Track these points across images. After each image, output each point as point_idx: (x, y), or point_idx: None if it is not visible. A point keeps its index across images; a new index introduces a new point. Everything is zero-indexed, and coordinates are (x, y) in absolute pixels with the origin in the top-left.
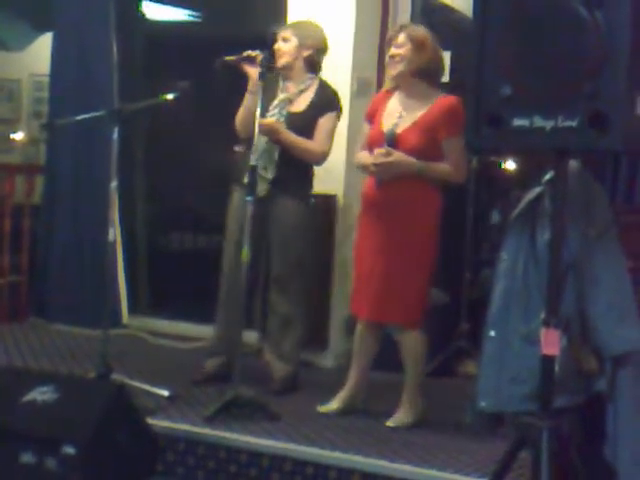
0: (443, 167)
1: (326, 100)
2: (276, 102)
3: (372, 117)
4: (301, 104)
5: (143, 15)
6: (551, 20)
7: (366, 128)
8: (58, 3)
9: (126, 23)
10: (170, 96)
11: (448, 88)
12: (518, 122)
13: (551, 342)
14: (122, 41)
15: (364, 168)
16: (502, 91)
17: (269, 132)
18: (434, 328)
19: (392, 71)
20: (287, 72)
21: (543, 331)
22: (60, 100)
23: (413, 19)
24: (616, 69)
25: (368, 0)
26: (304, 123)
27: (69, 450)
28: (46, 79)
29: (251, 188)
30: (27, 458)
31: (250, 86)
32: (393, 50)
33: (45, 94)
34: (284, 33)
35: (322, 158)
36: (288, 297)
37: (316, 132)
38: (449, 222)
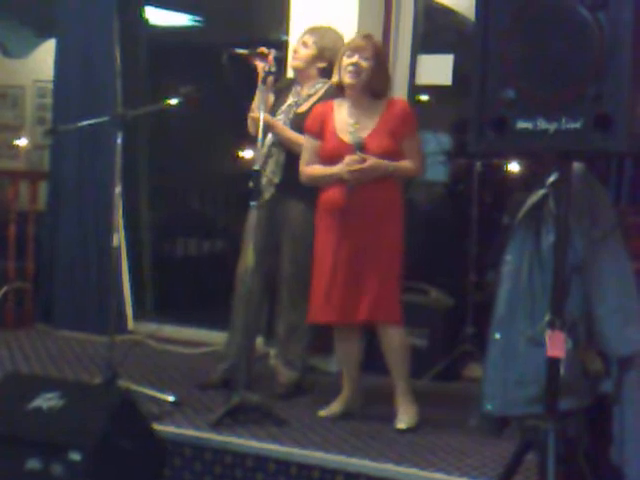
0: (408, 164)
1: (329, 98)
2: (285, 106)
3: (320, 131)
4: (307, 106)
5: (146, 21)
6: (554, 22)
7: (311, 143)
8: (61, 10)
9: (129, 29)
10: (173, 101)
11: (451, 92)
12: (522, 125)
13: (557, 344)
14: (125, 47)
15: (325, 178)
16: (505, 94)
17: (265, 127)
18: (439, 331)
19: (351, 80)
20: (300, 76)
21: (548, 333)
22: (64, 106)
23: (416, 23)
24: (619, 71)
25: (371, 4)
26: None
27: (75, 456)
28: (50, 85)
29: (257, 193)
30: (33, 464)
31: (259, 83)
32: (359, 60)
33: (49, 100)
34: (306, 37)
35: None
36: (298, 302)
37: None
38: (453, 225)
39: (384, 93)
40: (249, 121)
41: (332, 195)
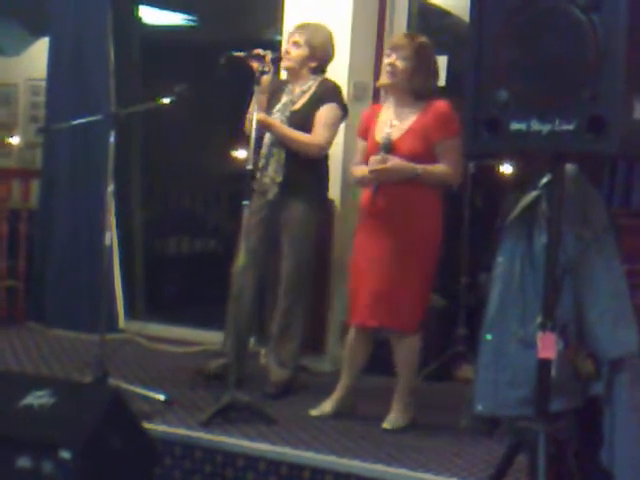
0: (440, 168)
1: (324, 93)
2: (280, 105)
3: (366, 133)
4: (301, 103)
5: (139, 19)
6: (548, 24)
7: (361, 145)
8: (54, 8)
9: (122, 27)
10: (166, 100)
11: (445, 93)
12: (515, 126)
13: (548, 346)
14: (118, 45)
15: (361, 179)
16: (499, 95)
17: (262, 127)
18: (432, 332)
19: (388, 80)
20: (292, 75)
21: (540, 335)
22: (56, 104)
23: (410, 23)
24: (613, 73)
25: (365, 5)
26: (302, 118)
27: (65, 454)
28: (42, 83)
29: (249, 192)
30: (23, 462)
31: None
32: (396, 61)
33: (41, 98)
34: (296, 37)
35: (318, 150)
36: (295, 302)
37: (314, 125)
38: (446, 226)
39: (426, 93)
40: (247, 121)
41: (365, 197)
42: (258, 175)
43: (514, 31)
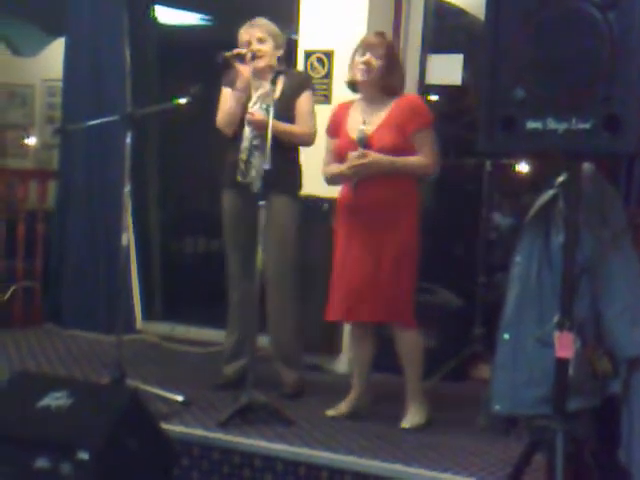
0: (417, 160)
1: (298, 81)
2: (254, 99)
3: (336, 131)
4: (276, 93)
5: (155, 19)
6: (564, 23)
7: (330, 142)
8: (70, 8)
9: (138, 28)
10: (182, 100)
11: (461, 91)
12: (531, 125)
13: (565, 345)
14: (134, 46)
15: (337, 177)
16: (515, 94)
17: (258, 126)
18: (448, 332)
19: (362, 77)
20: (265, 71)
21: (557, 334)
22: (73, 105)
23: (425, 22)
24: (630, 71)
25: (381, 4)
26: (282, 108)
27: (83, 455)
28: (59, 84)
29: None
30: (42, 463)
31: (239, 83)
32: (371, 59)
33: (58, 99)
34: (258, 34)
35: (313, 138)
36: (290, 301)
37: (297, 114)
38: (462, 225)
39: (397, 91)
40: (225, 121)
41: (344, 194)
42: (243, 167)
43: (530, 30)
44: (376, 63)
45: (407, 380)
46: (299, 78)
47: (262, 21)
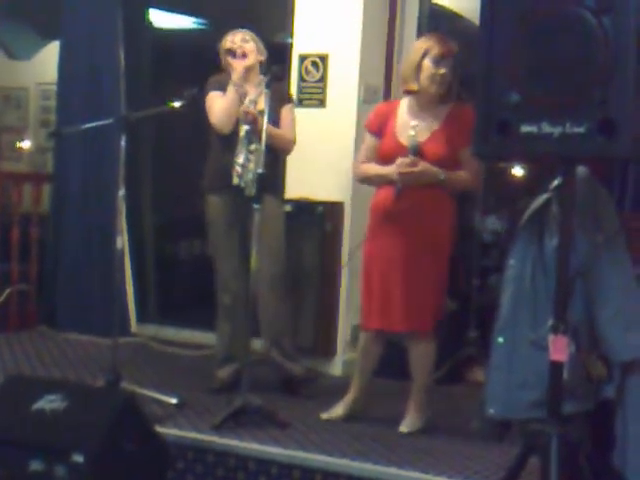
0: (464, 175)
1: (282, 93)
2: (246, 102)
3: (380, 129)
4: (261, 102)
5: (150, 23)
6: (559, 27)
7: (370, 140)
8: (65, 12)
9: (133, 31)
10: (177, 104)
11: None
12: (526, 129)
13: (559, 348)
14: (129, 49)
15: (376, 177)
16: (510, 98)
17: (253, 120)
18: (443, 335)
19: (438, 90)
20: (249, 73)
21: (551, 337)
22: (67, 108)
23: (420, 26)
24: (624, 76)
25: (375, 7)
26: (270, 115)
27: (78, 458)
28: (53, 87)
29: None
30: (36, 466)
31: (234, 76)
32: (447, 72)
33: (52, 102)
34: (243, 34)
35: (293, 146)
36: (280, 298)
37: (282, 123)
38: (457, 228)
39: (452, 98)
40: (223, 117)
41: (382, 198)
42: (240, 171)
43: (525, 34)
44: (450, 75)
45: (414, 385)
46: (282, 89)
47: (240, 30)
